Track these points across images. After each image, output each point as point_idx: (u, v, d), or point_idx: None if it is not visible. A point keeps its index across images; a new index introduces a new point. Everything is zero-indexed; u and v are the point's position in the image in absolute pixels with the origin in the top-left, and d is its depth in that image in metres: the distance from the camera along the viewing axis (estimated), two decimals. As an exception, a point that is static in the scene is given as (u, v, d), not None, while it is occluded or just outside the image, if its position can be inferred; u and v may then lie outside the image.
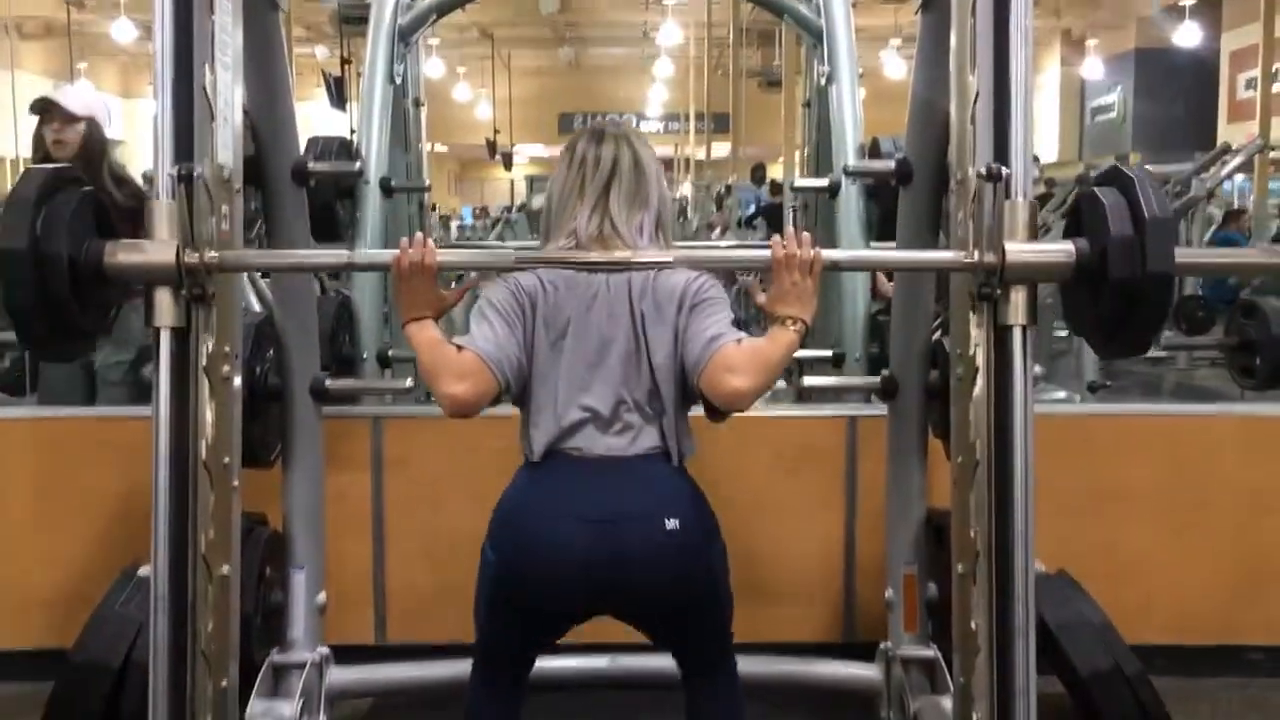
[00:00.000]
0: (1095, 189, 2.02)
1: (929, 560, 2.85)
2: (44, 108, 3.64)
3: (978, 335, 2.04)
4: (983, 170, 1.98)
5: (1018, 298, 2.00)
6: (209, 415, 2.02)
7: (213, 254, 1.97)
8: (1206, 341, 5.98)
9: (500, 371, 1.97)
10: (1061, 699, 2.71)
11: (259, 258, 2.32)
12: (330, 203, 3.36)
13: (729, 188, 13.65)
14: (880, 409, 2.97)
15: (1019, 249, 1.97)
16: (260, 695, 2.66)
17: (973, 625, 2.07)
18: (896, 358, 2.83)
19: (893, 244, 2.93)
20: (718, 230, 12.25)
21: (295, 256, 2.64)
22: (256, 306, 3.27)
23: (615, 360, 2.03)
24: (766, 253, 1.99)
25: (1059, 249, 2.00)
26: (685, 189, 18.08)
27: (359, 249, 3.80)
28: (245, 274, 2.99)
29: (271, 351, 2.74)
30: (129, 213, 3.45)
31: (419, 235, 2.00)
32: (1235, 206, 10.84)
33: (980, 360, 2.04)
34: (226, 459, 2.07)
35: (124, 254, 1.95)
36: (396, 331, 4.15)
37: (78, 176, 2.03)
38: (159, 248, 1.94)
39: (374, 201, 3.75)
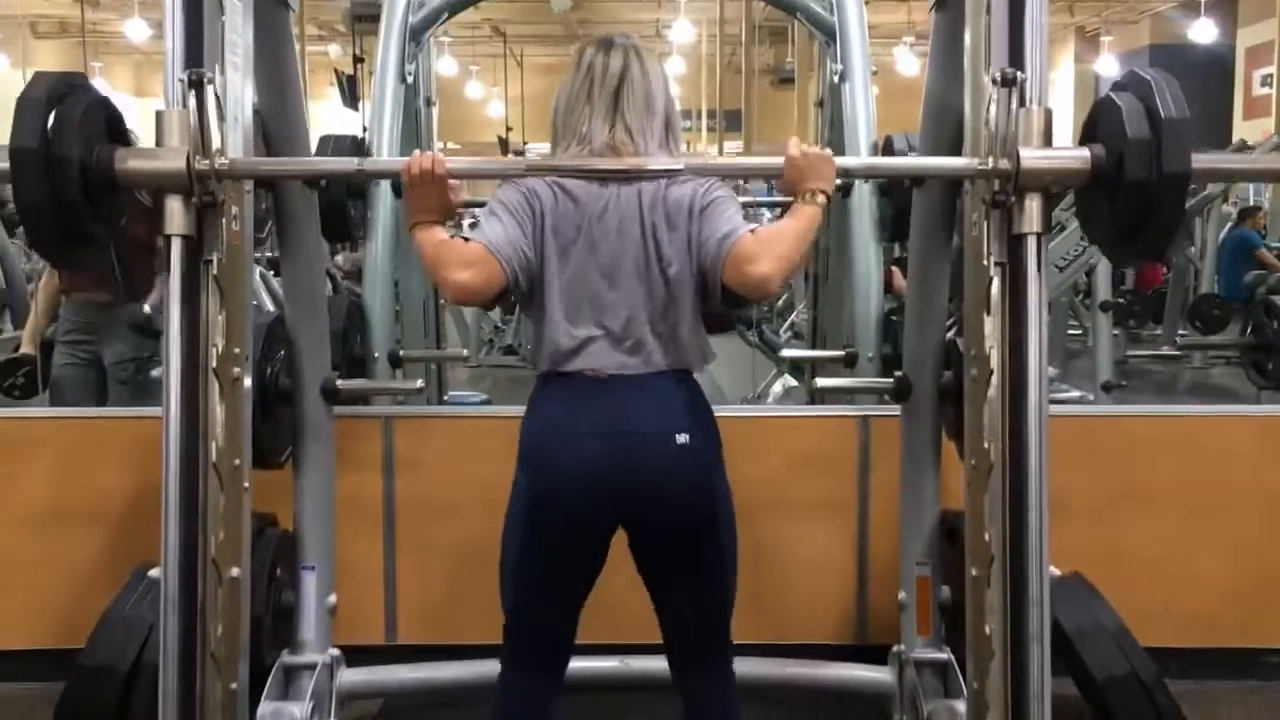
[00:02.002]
0: (1111, 94, 2.00)
1: (942, 562, 2.83)
2: None
3: (997, 249, 2.01)
4: (997, 76, 1.97)
5: (1032, 205, 1.99)
6: (219, 416, 2.02)
7: (223, 160, 1.98)
8: (1223, 341, 5.93)
9: (508, 263, 1.97)
10: (1076, 702, 2.69)
11: (268, 165, 2.32)
12: (341, 202, 3.35)
13: (738, 189, 13.58)
14: (893, 410, 2.95)
15: (1034, 155, 1.96)
16: (270, 697, 2.65)
17: (987, 629, 2.05)
18: (910, 358, 2.81)
19: (905, 245, 2.92)
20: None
21: (303, 164, 2.60)
22: (269, 305, 3.26)
23: (627, 273, 2.03)
24: (778, 160, 2.03)
25: (1074, 154, 1.99)
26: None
27: (370, 251, 3.80)
28: (257, 274, 3.01)
29: (282, 352, 2.74)
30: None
31: (428, 151, 2.03)
32: (1251, 204, 10.75)
33: (995, 361, 2.01)
34: (237, 461, 2.07)
35: (135, 160, 1.96)
36: (408, 332, 4.15)
37: (87, 83, 2.02)
38: (170, 154, 1.95)
39: (385, 201, 3.74)
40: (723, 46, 17.38)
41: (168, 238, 1.97)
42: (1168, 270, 8.94)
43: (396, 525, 3.23)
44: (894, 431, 2.94)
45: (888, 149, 3.61)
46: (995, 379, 2.02)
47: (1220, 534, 3.19)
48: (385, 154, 3.74)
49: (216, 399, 2.01)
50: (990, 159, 1.99)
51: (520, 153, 14.88)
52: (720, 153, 17.31)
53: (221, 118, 2.00)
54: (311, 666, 2.76)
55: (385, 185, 3.74)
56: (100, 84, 3.78)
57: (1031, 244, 1.99)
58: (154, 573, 2.04)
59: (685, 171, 2.04)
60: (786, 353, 4.82)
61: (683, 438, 2.02)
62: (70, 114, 1.89)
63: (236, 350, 2.07)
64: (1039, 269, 1.99)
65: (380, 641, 3.21)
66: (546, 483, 2.04)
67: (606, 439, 2.00)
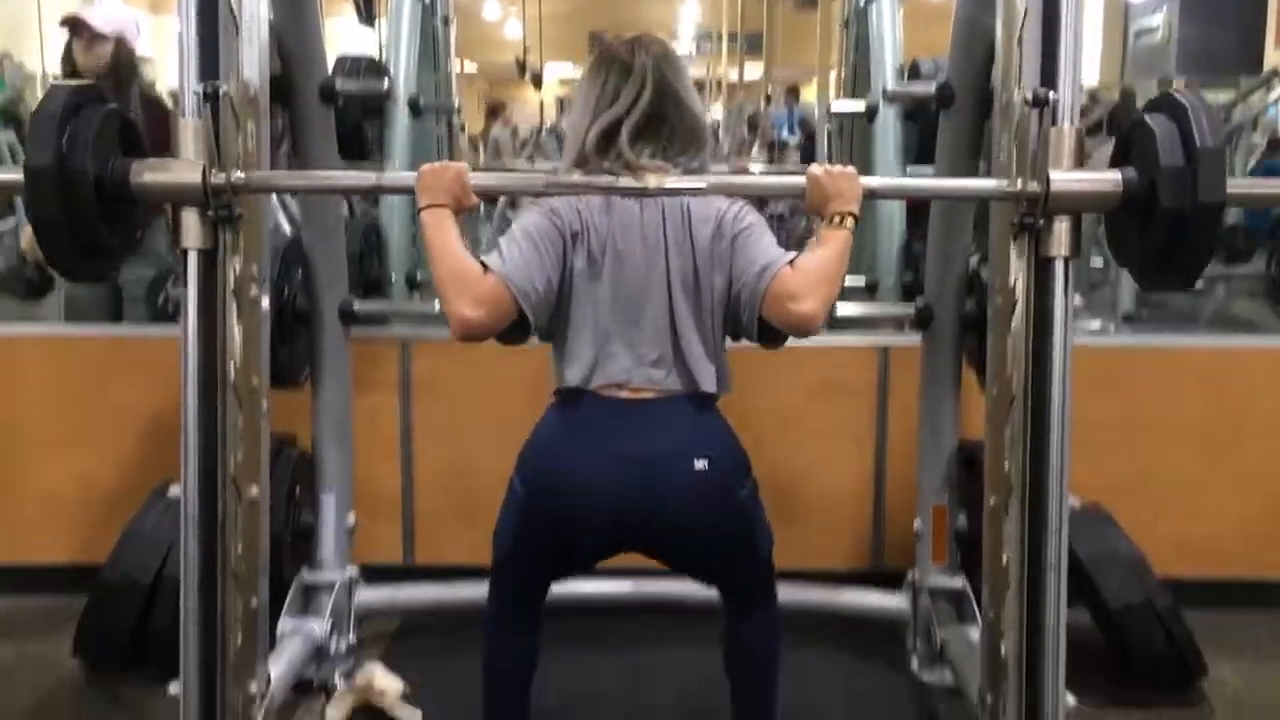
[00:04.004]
0: (1145, 116, 1.94)
1: (959, 492, 2.83)
2: (73, 25, 3.59)
3: (1018, 266, 1.99)
4: (1029, 96, 1.91)
5: (1061, 228, 1.94)
6: (237, 337, 2.01)
7: (239, 174, 1.94)
8: (1247, 272, 5.85)
9: (525, 299, 1.88)
10: (1090, 633, 2.70)
11: (286, 179, 2.28)
12: (358, 122, 3.31)
13: (768, 98, 13.29)
14: (913, 340, 2.93)
15: (1064, 178, 1.91)
16: (290, 613, 2.69)
17: (1004, 559, 2.05)
18: (932, 286, 2.79)
19: (931, 169, 2.87)
20: (755, 147, 12.03)
21: (322, 178, 2.61)
22: (285, 228, 3.24)
23: (651, 292, 1.97)
24: (801, 179, 1.95)
25: (1106, 178, 1.93)
26: (717, 111, 17.84)
27: (387, 170, 3.77)
28: (274, 195, 2.98)
29: (300, 273, 2.72)
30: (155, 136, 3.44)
31: (449, 162, 1.96)
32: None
33: (1020, 291, 1.99)
34: (255, 380, 2.07)
35: (150, 173, 1.92)
36: (425, 256, 4.13)
37: (102, 94, 1.99)
38: (185, 167, 1.92)
39: (402, 121, 3.70)
40: (745, -34, 17.04)
41: (184, 251, 1.96)
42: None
43: (414, 447, 3.24)
44: (913, 362, 2.93)
45: (914, 73, 3.55)
46: (1019, 308, 2.00)
47: (1239, 466, 3.18)
48: (403, 73, 3.69)
49: (234, 319, 1.99)
50: (1019, 180, 1.94)
51: (538, 77, 14.63)
52: (740, 76, 17.04)
53: (239, 128, 1.96)
54: (330, 585, 2.79)
55: (403, 105, 3.70)
56: (115, 1, 3.71)
57: (1059, 267, 1.95)
58: (174, 491, 2.05)
59: (708, 191, 1.97)
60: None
61: (701, 463, 1.93)
62: (84, 129, 1.87)
63: (254, 271, 2.05)
64: (1066, 292, 1.96)
65: (398, 561, 3.25)
66: (546, 502, 1.97)
67: (620, 463, 1.92)
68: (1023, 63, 1.95)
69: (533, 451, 2.01)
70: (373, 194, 2.02)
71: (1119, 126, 7.51)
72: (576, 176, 2.00)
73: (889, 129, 3.64)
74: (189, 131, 1.92)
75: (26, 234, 4.44)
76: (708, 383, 1.98)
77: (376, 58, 3.89)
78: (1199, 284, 8.23)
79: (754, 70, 16.79)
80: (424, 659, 2.85)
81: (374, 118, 3.58)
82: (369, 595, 2.92)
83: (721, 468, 1.95)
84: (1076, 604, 2.27)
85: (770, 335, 1.97)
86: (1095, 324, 5.93)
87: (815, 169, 1.93)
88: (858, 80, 4.24)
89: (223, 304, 1.98)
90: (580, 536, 2.00)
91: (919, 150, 3.60)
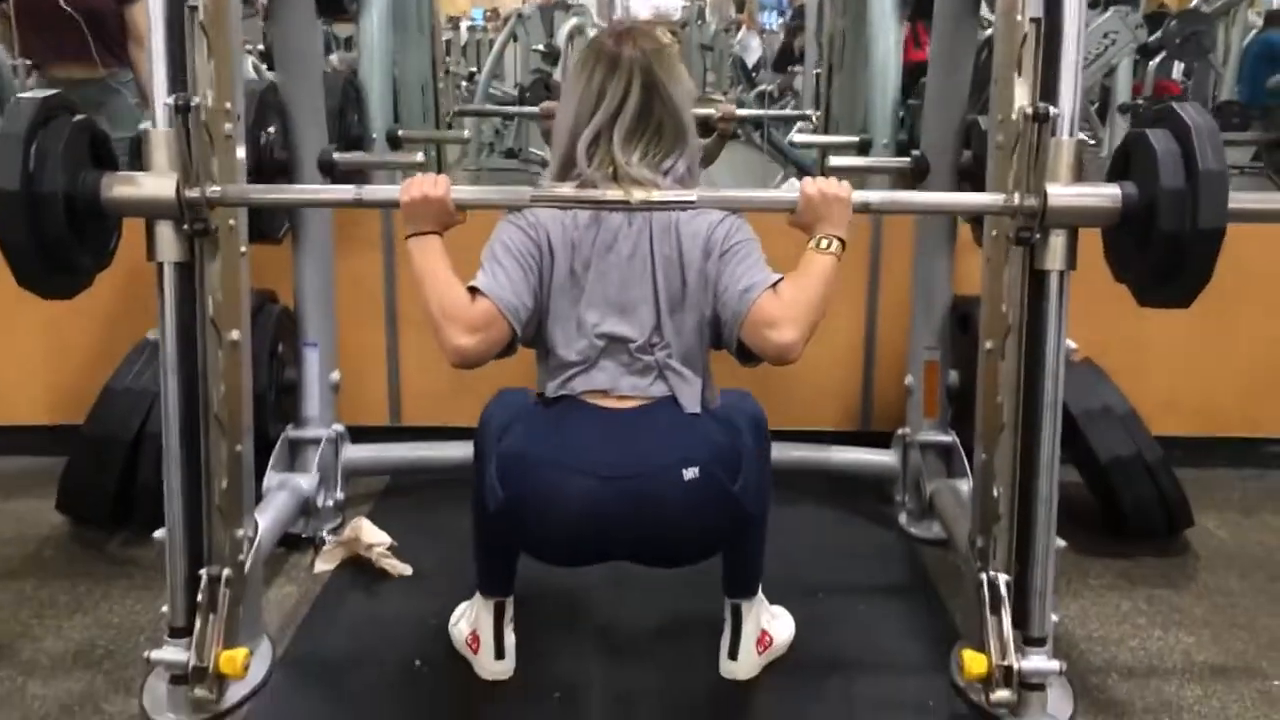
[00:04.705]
0: (1146, 131, 1.90)
1: (952, 348, 2.80)
2: None
3: (1013, 279, 1.97)
4: (1029, 110, 1.86)
5: (1057, 242, 1.93)
6: (214, 173, 1.93)
7: (214, 188, 1.89)
8: (1244, 138, 5.77)
9: (514, 317, 1.82)
10: (1077, 490, 2.70)
11: (262, 192, 2.20)
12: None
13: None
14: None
15: (1062, 192, 1.88)
16: (276, 468, 2.66)
17: (998, 401, 2.03)
18: (929, 137, 2.71)
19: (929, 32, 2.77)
20: (743, 30, 11.73)
21: (300, 191, 2.53)
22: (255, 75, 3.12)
23: (636, 304, 1.90)
24: (794, 195, 1.87)
25: (1104, 193, 1.90)
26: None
27: (364, 30, 3.62)
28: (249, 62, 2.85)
29: (277, 122, 2.63)
30: None
31: (432, 175, 1.88)
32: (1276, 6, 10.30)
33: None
34: (231, 221, 2.00)
35: (121, 187, 1.88)
36: (407, 112, 4.02)
37: (70, 104, 1.92)
38: (158, 181, 1.87)
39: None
40: None
41: (160, 264, 1.90)
42: (1188, 78, 8.65)
43: (398, 309, 3.19)
44: (906, 219, 2.87)
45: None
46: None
47: (1233, 326, 3.16)
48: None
49: (209, 157, 1.92)
50: (1016, 195, 1.88)
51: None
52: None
53: (210, 141, 1.88)
54: (316, 441, 2.77)
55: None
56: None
57: (1054, 281, 1.92)
58: (152, 334, 1.99)
59: (697, 204, 1.88)
60: (796, 137, 4.62)
61: (691, 472, 1.83)
62: (52, 145, 1.80)
63: (227, 106, 1.97)
64: (1060, 305, 1.93)
65: (384, 422, 3.22)
66: (524, 514, 1.88)
67: (609, 484, 1.82)
68: (1022, 73, 1.90)
69: (511, 454, 1.90)
70: (354, 207, 1.94)
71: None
72: (562, 189, 1.91)
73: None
74: (161, 143, 1.87)
75: None
76: (690, 403, 1.92)
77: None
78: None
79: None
80: (412, 515, 2.84)
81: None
82: (356, 453, 2.90)
83: (712, 472, 1.86)
84: (1067, 461, 2.25)
85: (748, 356, 1.89)
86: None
87: (809, 186, 1.86)
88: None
89: (195, 135, 1.89)
90: (562, 549, 1.94)
91: (916, 4, 3.48)
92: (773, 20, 14.30)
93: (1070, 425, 2.56)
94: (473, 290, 1.83)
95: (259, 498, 2.42)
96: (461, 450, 2.85)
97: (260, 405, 2.41)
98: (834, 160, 2.81)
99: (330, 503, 2.77)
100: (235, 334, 2.01)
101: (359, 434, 2.94)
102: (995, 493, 2.04)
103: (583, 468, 1.84)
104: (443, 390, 3.16)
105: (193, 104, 1.84)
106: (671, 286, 1.91)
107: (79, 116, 1.90)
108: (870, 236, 3.16)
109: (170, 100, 1.85)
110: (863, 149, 3.60)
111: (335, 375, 2.83)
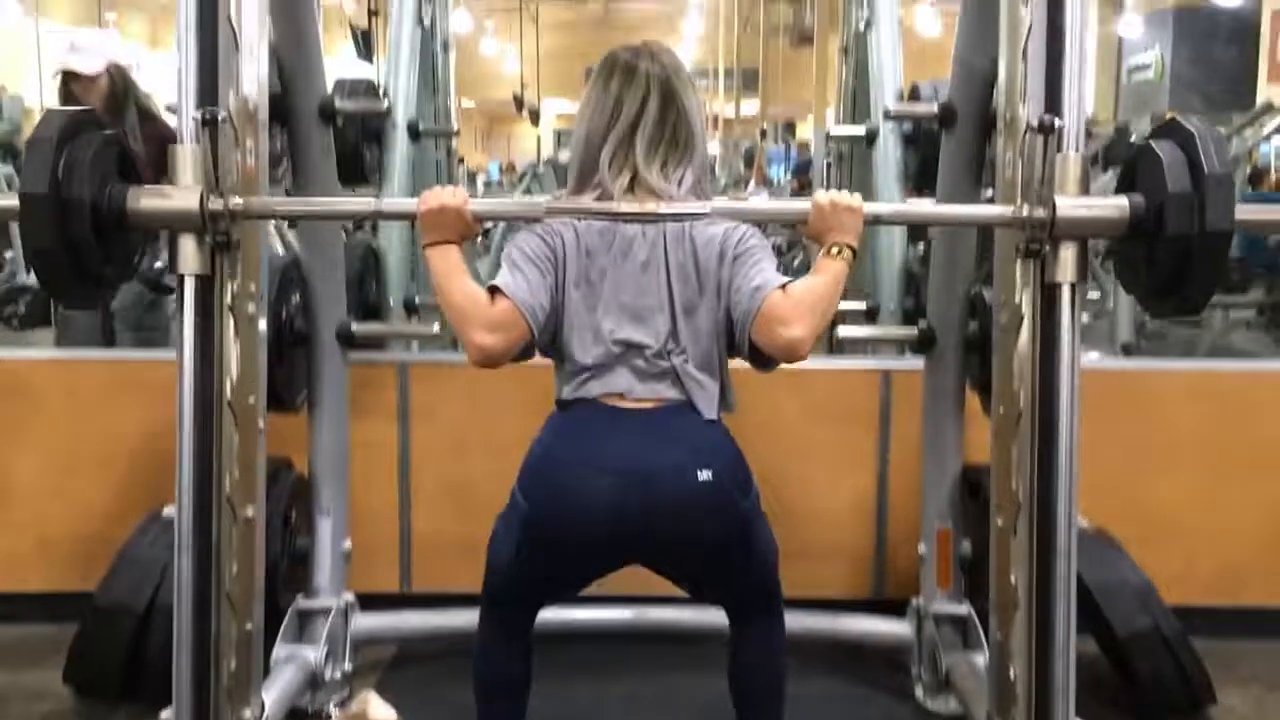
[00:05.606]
0: (1151, 142, 1.94)
1: (963, 517, 2.80)
2: (65, 78, 3.66)
3: (1024, 290, 1.97)
4: (1034, 122, 1.91)
5: (1067, 254, 1.94)
6: (234, 356, 1.98)
7: (237, 200, 1.93)
8: (1245, 300, 5.85)
9: (533, 318, 1.89)
10: (1097, 659, 2.66)
11: (284, 205, 2.26)
12: (357, 145, 3.29)
13: (763, 132, 13.37)
14: (915, 362, 2.91)
15: (1070, 204, 1.90)
16: (285, 640, 2.64)
17: (1012, 580, 2.02)
18: (934, 308, 2.76)
19: (933, 197, 2.86)
20: (751, 183, 12.10)
21: (321, 204, 2.59)
22: (279, 249, 3.22)
23: (652, 312, 1.96)
24: (806, 204, 1.94)
25: (1113, 204, 1.93)
26: (714, 146, 17.96)
27: (386, 194, 3.76)
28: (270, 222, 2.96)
29: (298, 295, 2.70)
30: (153, 152, 3.44)
31: (450, 186, 1.96)
32: (1258, 166, 10.59)
33: (1026, 313, 1.97)
34: (251, 399, 2.04)
35: (147, 199, 1.91)
36: (423, 279, 4.11)
37: (98, 119, 1.98)
38: (183, 194, 1.91)
39: (401, 146, 3.69)
40: (741, 4, 17.21)
41: (181, 277, 1.94)
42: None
43: (412, 473, 3.21)
44: (915, 386, 2.90)
45: (914, 97, 3.54)
46: (1025, 331, 1.98)
47: (1245, 491, 3.15)
48: (402, 99, 3.69)
49: (231, 336, 1.97)
50: (1025, 206, 1.93)
51: (535, 113, 14.71)
52: (736, 111, 17.15)
53: (238, 147, 1.94)
54: (326, 611, 2.75)
55: (402, 129, 3.69)
56: (114, 35, 3.74)
57: (1065, 293, 1.94)
58: (168, 511, 2.01)
59: (710, 215, 1.96)
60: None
61: (705, 474, 1.90)
62: (81, 154, 1.85)
63: (251, 288, 2.03)
64: (1073, 318, 1.95)
65: (394, 589, 3.20)
66: (547, 517, 1.94)
67: (620, 478, 1.89)
68: (1028, 86, 1.94)
69: (534, 464, 1.98)
70: (372, 219, 1.99)
71: (1116, 159, 7.54)
72: (580, 201, 1.99)
73: (889, 154, 3.64)
74: (187, 157, 1.91)
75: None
76: (707, 408, 1.97)
77: (374, 82, 3.89)
78: (1195, 315, 8.27)
79: (750, 106, 16.91)
80: (420, 688, 2.80)
81: (373, 142, 3.56)
82: (365, 622, 2.88)
83: (724, 478, 1.92)
84: (1083, 631, 2.23)
85: (761, 359, 1.95)
86: (1094, 355, 5.93)
87: (821, 196, 1.93)
88: (857, 108, 4.24)
89: (219, 323, 1.95)
90: (582, 551, 1.97)
91: (919, 176, 3.59)
92: (780, 173, 14.69)
93: (1087, 599, 2.54)
94: (493, 291, 1.89)
95: (267, 670, 2.40)
96: (472, 618, 2.85)
97: (272, 575, 2.41)
98: (842, 331, 2.86)
99: (338, 674, 2.74)
100: (250, 510, 2.03)
101: (368, 600, 2.92)
102: (1011, 675, 2.01)
103: (604, 466, 1.90)
104: (454, 556, 3.15)
105: (219, 118, 1.88)
106: (686, 292, 1.96)
107: (108, 131, 1.94)
108: (880, 397, 3.19)
109: (198, 114, 1.88)
110: (871, 314, 3.66)
111: (347, 544, 2.83)
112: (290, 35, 2.49)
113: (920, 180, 3.56)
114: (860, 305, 3.72)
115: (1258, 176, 9.70)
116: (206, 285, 1.95)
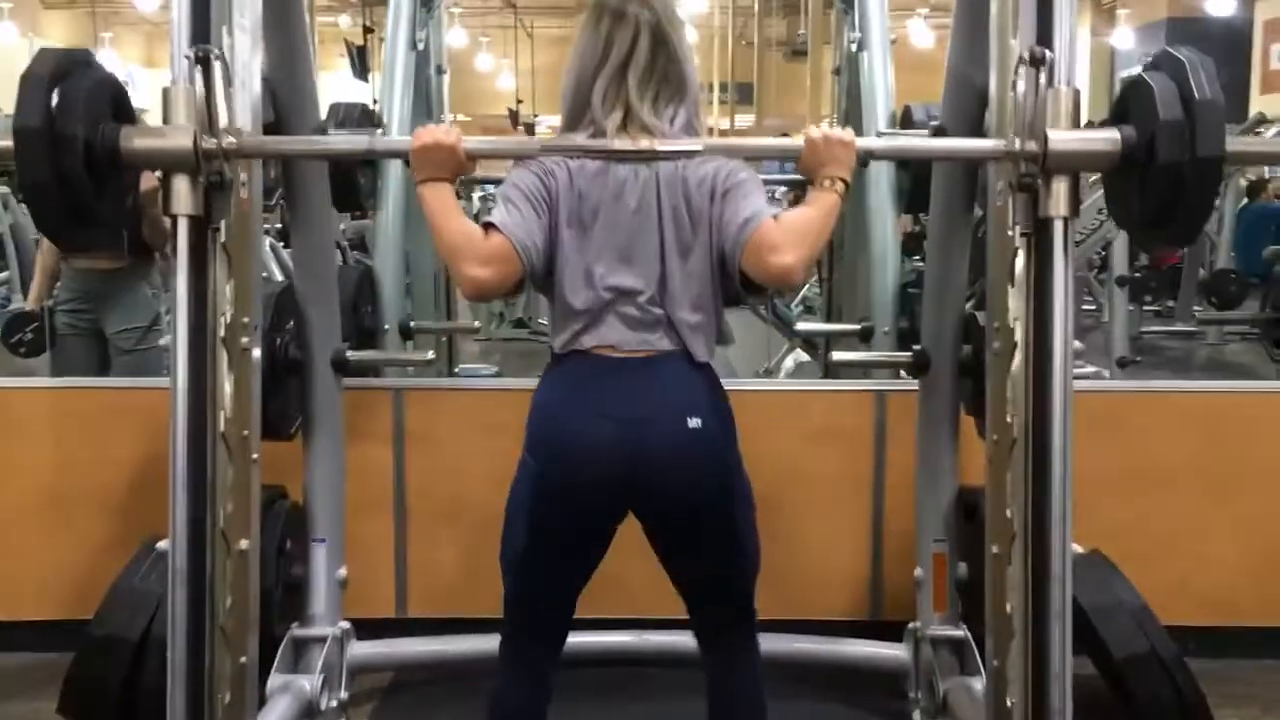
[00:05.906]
0: (1143, 74, 1.95)
1: (959, 539, 2.79)
2: None
3: (1016, 233, 1.95)
4: (1026, 55, 1.91)
5: (1059, 188, 1.93)
6: (228, 387, 1.98)
7: (230, 139, 1.92)
8: (1241, 316, 5.86)
9: (525, 254, 1.91)
10: (1094, 682, 2.65)
11: (277, 144, 2.25)
12: (351, 171, 3.30)
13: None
14: (910, 385, 2.91)
15: (1062, 137, 1.89)
16: (281, 669, 2.64)
17: (1007, 607, 2.02)
18: (929, 332, 2.77)
19: (925, 219, 2.87)
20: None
21: (314, 143, 2.57)
22: (279, 276, 3.22)
23: (644, 253, 1.97)
24: (798, 141, 1.96)
25: (1104, 136, 1.93)
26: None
27: (381, 217, 3.76)
28: (266, 245, 2.97)
29: (292, 323, 2.70)
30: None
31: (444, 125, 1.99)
32: (1253, 178, 10.61)
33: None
34: (245, 431, 2.04)
35: (140, 138, 1.90)
36: (419, 303, 4.12)
37: (91, 59, 1.97)
38: (176, 132, 1.89)
39: (396, 171, 3.69)
40: (735, 18, 17.27)
41: (174, 217, 1.93)
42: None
43: (407, 498, 3.21)
44: (910, 407, 2.90)
45: (906, 120, 3.55)
46: (1019, 353, 1.98)
47: (1240, 511, 3.15)
48: (396, 122, 3.69)
49: (225, 368, 1.97)
50: (1017, 140, 1.93)
51: (531, 127, 14.78)
52: (731, 125, 17.21)
53: (229, 86, 1.94)
54: (322, 639, 2.74)
55: (396, 154, 3.69)
56: (110, 55, 3.74)
57: (1058, 227, 1.94)
58: (162, 545, 2.01)
59: (704, 152, 1.98)
60: (801, 327, 4.75)
61: (695, 421, 1.96)
62: (74, 91, 1.84)
63: (245, 319, 2.03)
64: (1066, 252, 1.94)
65: (391, 615, 3.20)
66: (556, 468, 1.99)
67: (618, 423, 1.94)
68: (1019, 21, 1.94)
69: (535, 421, 2.02)
70: (366, 158, 1.99)
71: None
72: (574, 139, 2.00)
73: (882, 175, 3.64)
74: (179, 96, 1.90)
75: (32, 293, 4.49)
76: (700, 351, 2.01)
77: (369, 106, 3.89)
78: (1190, 328, 8.29)
79: (745, 120, 16.96)
80: (416, 715, 2.79)
81: (367, 167, 3.57)
82: (361, 650, 2.87)
83: (713, 427, 1.98)
84: (1080, 653, 2.22)
85: (753, 288, 1.99)
86: (1090, 369, 5.94)
87: (814, 132, 1.95)
88: (850, 126, 4.23)
89: (213, 352, 1.95)
90: (590, 495, 1.99)
91: (911, 198, 3.60)
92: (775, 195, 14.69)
93: (1083, 620, 2.53)
94: (487, 226, 1.90)
95: (262, 701, 2.39)
96: (469, 643, 2.84)
97: (266, 604, 2.40)
98: (836, 355, 2.87)
99: (334, 703, 2.73)
100: (244, 543, 2.02)
101: (363, 626, 2.92)
102: (1009, 702, 2.01)
103: (604, 412, 1.95)
104: (450, 581, 3.16)
105: (212, 55, 1.88)
106: (681, 235, 1.97)
107: (102, 71, 1.93)
108: (874, 420, 3.19)
109: (190, 52, 1.88)
110: (865, 335, 3.66)
111: (342, 571, 2.83)
112: (283, 64, 2.49)
113: (913, 200, 3.57)
114: (854, 327, 3.72)
115: (1256, 188, 9.69)
116: (199, 227, 1.94)
